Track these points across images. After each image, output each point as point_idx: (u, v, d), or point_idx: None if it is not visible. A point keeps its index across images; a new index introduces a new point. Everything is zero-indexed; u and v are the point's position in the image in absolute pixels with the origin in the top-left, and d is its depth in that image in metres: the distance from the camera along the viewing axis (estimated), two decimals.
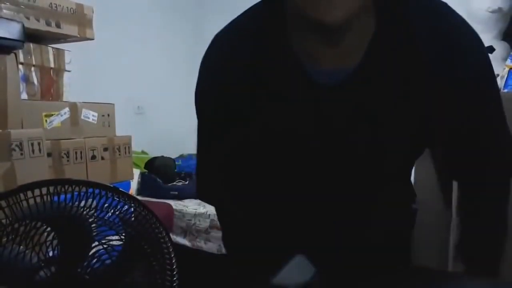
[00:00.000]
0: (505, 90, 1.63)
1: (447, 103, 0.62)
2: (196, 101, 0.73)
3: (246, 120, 0.66)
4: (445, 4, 0.62)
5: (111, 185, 0.65)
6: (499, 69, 1.88)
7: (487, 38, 2.01)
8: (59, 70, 1.71)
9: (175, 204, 2.26)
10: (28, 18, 1.51)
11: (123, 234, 0.69)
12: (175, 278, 0.71)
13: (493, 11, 1.94)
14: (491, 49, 1.98)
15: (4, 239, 0.61)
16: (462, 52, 0.60)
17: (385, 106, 0.62)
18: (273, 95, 0.64)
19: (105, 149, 1.75)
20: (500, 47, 1.99)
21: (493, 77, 0.68)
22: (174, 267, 0.71)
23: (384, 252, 0.73)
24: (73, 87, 1.79)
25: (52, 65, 1.67)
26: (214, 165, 0.76)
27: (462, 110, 0.63)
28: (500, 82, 1.70)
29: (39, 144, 1.32)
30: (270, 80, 0.63)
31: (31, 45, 1.57)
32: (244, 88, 0.65)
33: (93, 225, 0.66)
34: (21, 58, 1.52)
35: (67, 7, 1.65)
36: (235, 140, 0.69)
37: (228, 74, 0.66)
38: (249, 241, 0.80)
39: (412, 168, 0.78)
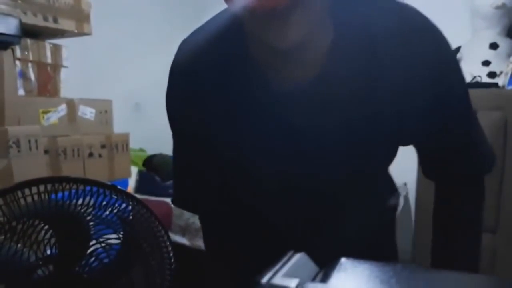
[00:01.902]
0: (509, 87, 1.62)
1: (412, 102, 0.61)
2: (166, 108, 0.76)
3: (211, 129, 0.68)
4: (404, 4, 0.61)
5: (109, 183, 0.64)
6: (503, 65, 1.87)
7: (491, 34, 2.01)
8: (56, 66, 1.70)
9: None
10: (25, 13, 1.49)
11: (121, 232, 0.68)
12: (173, 277, 0.71)
13: (497, 7, 1.93)
14: (495, 45, 1.98)
15: (2, 237, 0.60)
16: (422, 52, 0.60)
17: (350, 109, 0.61)
18: (238, 103, 0.64)
19: (103, 146, 1.74)
20: (504, 44, 1.98)
21: (458, 72, 0.66)
22: (173, 266, 0.71)
23: (365, 248, 0.71)
24: (70, 83, 1.78)
25: (49, 60, 1.66)
26: (185, 172, 0.79)
27: (428, 108, 0.63)
28: (504, 79, 1.69)
29: (36, 141, 1.31)
30: (234, 88, 0.64)
31: (28, 40, 1.56)
32: (209, 95, 0.66)
33: (91, 223, 0.65)
34: (18, 53, 1.51)
35: (65, 2, 1.64)
36: (201, 148, 0.71)
37: (193, 81, 0.67)
38: (227, 242, 0.83)
39: (389, 165, 0.76)
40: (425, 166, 0.76)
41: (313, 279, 0.55)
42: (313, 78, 0.60)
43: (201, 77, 0.66)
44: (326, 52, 0.59)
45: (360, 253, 0.71)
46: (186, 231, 2.18)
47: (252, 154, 0.66)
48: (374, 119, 0.61)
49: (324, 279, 0.54)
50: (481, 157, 0.71)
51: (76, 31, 1.70)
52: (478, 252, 0.74)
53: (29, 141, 1.30)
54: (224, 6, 0.63)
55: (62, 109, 1.62)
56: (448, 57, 0.64)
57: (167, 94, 0.75)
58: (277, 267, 0.54)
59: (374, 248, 0.74)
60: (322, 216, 0.74)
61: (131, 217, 0.68)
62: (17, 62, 1.51)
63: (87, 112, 1.72)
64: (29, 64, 1.59)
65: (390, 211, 0.88)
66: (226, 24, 0.66)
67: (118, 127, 1.87)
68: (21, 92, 1.53)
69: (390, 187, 0.86)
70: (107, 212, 0.65)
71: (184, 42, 0.72)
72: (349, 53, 0.59)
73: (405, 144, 0.70)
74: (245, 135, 0.66)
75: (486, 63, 1.97)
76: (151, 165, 2.50)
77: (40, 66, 1.63)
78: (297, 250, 0.70)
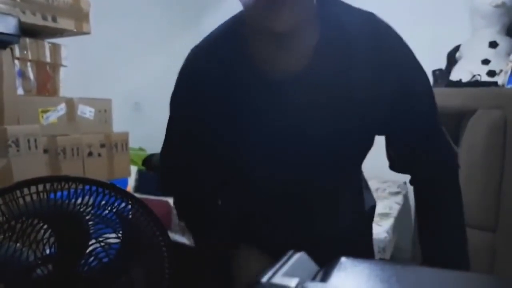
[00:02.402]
0: (509, 86, 1.62)
1: (381, 97, 0.72)
2: (171, 105, 0.85)
3: (211, 122, 0.77)
4: (373, 16, 0.74)
5: (108, 182, 0.64)
6: (503, 64, 1.87)
7: (491, 33, 2.01)
8: (56, 65, 1.70)
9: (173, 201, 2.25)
10: (24, 13, 1.49)
11: (121, 232, 0.68)
12: (173, 276, 0.71)
13: (496, 6, 1.93)
14: (494, 44, 1.97)
15: (1, 237, 0.60)
16: (390, 55, 0.72)
17: (331, 100, 0.72)
18: (238, 96, 0.75)
19: (102, 146, 1.74)
20: (503, 42, 1.98)
21: (422, 75, 0.76)
22: (172, 265, 0.71)
23: (343, 242, 0.79)
24: (69, 83, 1.78)
25: (48, 60, 1.66)
26: (181, 160, 0.87)
27: (394, 101, 0.73)
28: (504, 78, 1.69)
29: (35, 140, 1.31)
30: (235, 84, 0.75)
31: (27, 39, 1.56)
32: (213, 94, 0.76)
33: (90, 222, 0.65)
34: (17, 53, 1.51)
35: (64, 1, 1.63)
36: (202, 140, 0.79)
37: (201, 83, 0.77)
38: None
39: (364, 155, 0.84)
40: (391, 159, 0.84)
41: (313, 278, 0.55)
42: (302, 69, 0.72)
43: (204, 78, 0.76)
44: (313, 48, 0.71)
45: (334, 244, 0.75)
46: (186, 230, 2.17)
47: (246, 140, 0.76)
48: (351, 109, 0.72)
49: (324, 278, 0.54)
50: (443, 152, 0.79)
51: (75, 30, 1.70)
52: (464, 244, 0.82)
53: (28, 141, 1.30)
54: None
55: (62, 108, 1.62)
56: (410, 59, 0.75)
57: (176, 93, 0.83)
58: (277, 266, 0.54)
59: (350, 241, 0.83)
60: (304, 205, 0.83)
61: (130, 216, 0.68)
62: (16, 62, 1.50)
63: (87, 111, 1.72)
64: (28, 64, 1.58)
65: (367, 210, 0.96)
66: (227, 30, 0.77)
67: (118, 126, 1.87)
68: (20, 91, 1.53)
69: (364, 184, 0.96)
70: (107, 211, 0.65)
71: (194, 47, 0.81)
72: (331, 52, 0.71)
73: (378, 133, 0.79)
74: (241, 123, 0.76)
75: (485, 61, 1.96)
76: (151, 164, 2.50)
77: (39, 65, 1.62)
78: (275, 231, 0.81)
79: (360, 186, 0.94)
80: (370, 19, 0.73)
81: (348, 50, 0.71)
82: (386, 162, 0.97)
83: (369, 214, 0.98)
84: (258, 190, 0.83)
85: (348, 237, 0.88)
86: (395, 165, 0.83)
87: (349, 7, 0.74)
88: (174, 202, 0.99)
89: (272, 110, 0.73)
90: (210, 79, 0.75)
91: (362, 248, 0.96)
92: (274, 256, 0.63)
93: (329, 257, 0.62)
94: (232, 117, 0.76)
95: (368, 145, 0.80)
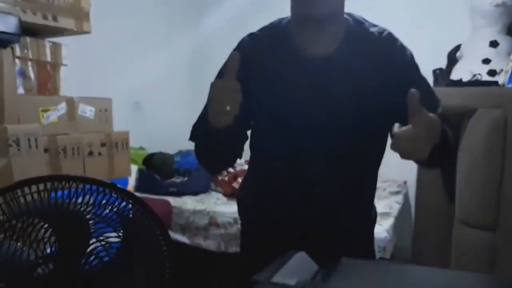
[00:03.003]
0: (510, 85, 1.62)
1: (393, 85, 0.86)
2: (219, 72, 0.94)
3: (254, 88, 0.87)
4: (391, 33, 0.94)
5: (109, 182, 0.64)
6: (503, 63, 1.86)
7: (491, 32, 2.00)
8: (56, 64, 1.70)
9: (173, 200, 2.25)
10: (24, 12, 1.49)
11: (121, 231, 0.68)
12: (173, 275, 0.71)
13: (497, 5, 1.93)
14: (495, 43, 1.97)
15: (2, 236, 0.60)
16: (399, 57, 0.92)
17: (354, 81, 0.88)
18: (277, 69, 0.91)
19: (103, 145, 1.74)
20: (504, 42, 1.98)
21: (418, 70, 0.94)
22: (172, 264, 0.71)
23: (348, 243, 0.92)
24: (70, 82, 1.77)
25: (48, 59, 1.65)
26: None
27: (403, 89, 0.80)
28: (504, 77, 1.69)
29: (36, 139, 1.31)
30: (276, 59, 0.92)
31: (28, 39, 1.56)
32: (257, 65, 0.91)
33: (91, 222, 0.65)
34: (17, 52, 1.51)
35: (64, 1, 1.63)
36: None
37: (249, 54, 0.88)
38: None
39: (383, 152, 0.96)
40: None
41: (313, 278, 0.55)
42: (331, 52, 0.89)
43: (252, 51, 0.92)
44: (340, 36, 0.90)
45: (339, 243, 0.90)
46: (186, 229, 2.17)
47: (280, 108, 0.91)
48: (370, 90, 0.87)
49: (324, 277, 0.54)
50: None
51: (75, 29, 1.70)
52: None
53: (29, 140, 1.30)
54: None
55: (62, 107, 1.62)
56: (413, 62, 0.93)
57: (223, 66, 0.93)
58: (277, 265, 0.54)
59: (354, 241, 0.96)
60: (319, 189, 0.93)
61: (131, 216, 0.68)
62: (17, 61, 1.50)
63: (87, 111, 1.72)
64: (29, 63, 1.58)
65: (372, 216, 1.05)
66: (275, 22, 0.97)
67: (118, 126, 1.87)
68: (20, 90, 1.53)
69: (375, 191, 1.06)
70: (107, 211, 0.65)
71: (252, 32, 0.97)
72: (355, 43, 0.90)
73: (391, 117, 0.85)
74: (278, 91, 0.91)
75: (486, 61, 1.96)
76: (151, 163, 2.50)
77: (39, 64, 1.62)
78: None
79: (373, 192, 1.03)
80: (389, 32, 0.92)
81: (367, 46, 0.89)
82: (386, 162, 0.98)
83: (374, 219, 1.05)
84: (279, 169, 0.95)
85: (353, 238, 0.97)
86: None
87: (364, 19, 0.95)
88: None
89: (305, 84, 0.89)
90: (256, 53, 0.92)
91: (364, 250, 1.02)
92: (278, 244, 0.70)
93: (331, 256, 0.62)
94: (270, 86, 0.91)
95: (385, 130, 0.89)
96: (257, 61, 0.91)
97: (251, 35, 0.97)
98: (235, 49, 0.93)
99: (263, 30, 0.97)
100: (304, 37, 0.90)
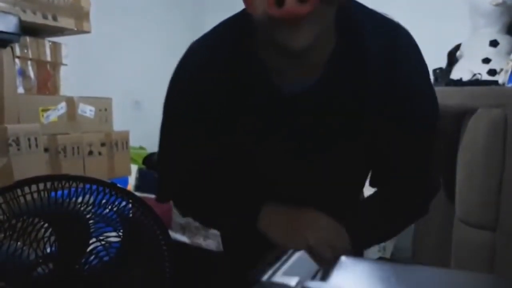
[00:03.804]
0: (510, 85, 1.62)
1: (387, 113, 0.69)
2: (168, 106, 0.79)
3: (216, 128, 0.72)
4: (396, 25, 0.70)
5: (109, 181, 0.65)
6: (503, 63, 1.86)
7: (491, 32, 2.00)
8: (56, 64, 1.70)
9: None
10: (24, 11, 1.49)
11: (121, 230, 0.68)
12: (173, 275, 0.71)
13: (497, 4, 1.93)
14: (495, 43, 1.97)
15: (2, 236, 0.60)
16: (403, 73, 0.68)
17: (342, 113, 0.69)
18: (243, 102, 0.70)
19: (103, 144, 1.74)
20: (504, 41, 1.97)
21: (431, 94, 0.72)
22: (172, 264, 0.71)
23: None
24: (70, 81, 1.77)
25: (48, 58, 1.66)
26: (180, 167, 0.80)
27: (399, 119, 0.69)
28: (505, 77, 1.69)
29: (36, 139, 1.31)
30: (240, 89, 0.70)
31: (28, 38, 1.56)
32: (216, 96, 0.70)
33: (91, 221, 0.65)
34: (17, 51, 1.51)
35: (64, 0, 1.63)
36: (204, 145, 0.74)
37: (202, 83, 0.71)
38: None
39: (367, 175, 0.82)
40: (376, 176, 0.80)
41: (313, 277, 0.55)
42: (313, 82, 0.67)
43: (207, 79, 0.70)
44: (326, 59, 0.67)
45: None
46: (186, 229, 2.18)
47: (251, 148, 0.73)
48: (360, 121, 0.69)
49: (324, 277, 0.54)
50: (429, 181, 0.77)
51: (75, 29, 1.70)
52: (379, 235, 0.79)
53: (29, 139, 1.30)
54: (224, 6, 0.64)
55: (62, 107, 1.62)
56: (421, 83, 0.71)
57: (173, 92, 0.77)
58: (277, 265, 0.54)
59: None
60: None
61: (131, 215, 0.68)
62: (17, 60, 1.50)
63: (87, 110, 1.72)
64: (29, 62, 1.59)
65: None
66: (232, 31, 0.71)
67: (118, 125, 1.87)
68: (20, 90, 1.53)
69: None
70: (107, 210, 0.65)
71: (192, 45, 0.75)
72: (344, 63, 0.67)
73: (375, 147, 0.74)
74: (245, 130, 0.72)
75: (486, 60, 1.96)
76: (151, 163, 2.50)
77: (39, 64, 1.62)
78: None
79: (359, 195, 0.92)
80: (391, 30, 0.69)
81: (362, 62, 0.67)
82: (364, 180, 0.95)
83: None
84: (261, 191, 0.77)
85: None
86: (376, 182, 0.81)
87: (372, 14, 0.70)
88: (176, 202, 0.92)
89: (281, 121, 0.70)
90: (213, 80, 0.70)
91: None
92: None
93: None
94: (236, 122, 0.72)
95: (373, 158, 0.77)
96: (217, 90, 0.70)
97: (202, 49, 0.73)
98: (184, 70, 0.74)
99: (219, 43, 0.71)
100: (276, 65, 0.67)
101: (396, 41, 0.68)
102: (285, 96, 0.68)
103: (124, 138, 1.85)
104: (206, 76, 0.70)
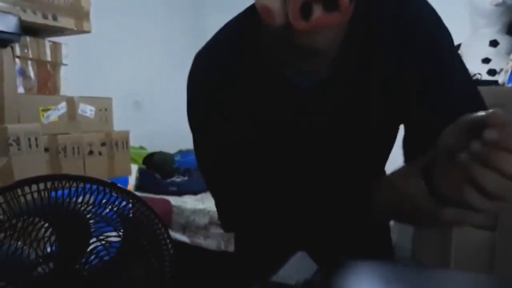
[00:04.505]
0: (509, 85, 1.62)
1: (405, 89, 0.63)
2: (191, 120, 0.74)
3: (235, 129, 0.68)
4: None
5: (109, 181, 0.65)
6: (503, 63, 1.87)
7: (491, 32, 2.00)
8: (56, 63, 1.70)
9: (174, 200, 2.25)
10: (24, 11, 1.49)
11: (121, 230, 0.68)
12: (173, 274, 0.71)
13: (497, 5, 1.93)
14: (494, 43, 1.97)
15: (2, 235, 0.60)
16: (416, 42, 0.61)
17: (359, 105, 0.65)
18: (257, 99, 0.67)
19: (103, 144, 1.74)
20: (504, 41, 1.98)
21: (454, 61, 0.65)
22: (173, 263, 0.71)
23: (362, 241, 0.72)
24: (70, 81, 1.78)
25: (49, 58, 1.66)
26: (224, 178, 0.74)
27: (421, 94, 0.63)
28: (504, 77, 1.69)
29: (36, 139, 1.31)
30: (253, 88, 0.67)
31: (28, 38, 1.56)
32: (231, 100, 0.67)
33: (91, 221, 0.65)
34: (17, 51, 1.51)
35: (64, 0, 1.63)
36: (227, 148, 0.70)
37: (217, 89, 0.68)
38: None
39: (386, 161, 0.77)
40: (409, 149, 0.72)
41: (313, 278, 0.55)
42: (325, 77, 0.64)
43: (221, 87, 0.67)
44: (338, 51, 0.62)
45: (357, 246, 0.69)
46: (186, 228, 2.18)
47: (271, 145, 0.69)
48: (374, 111, 0.66)
49: (323, 277, 0.54)
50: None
51: (75, 29, 1.70)
52: None
53: (29, 139, 1.30)
54: (224, 6, 0.64)
55: (62, 107, 1.62)
56: (442, 45, 0.63)
57: (190, 108, 0.74)
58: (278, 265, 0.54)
59: (370, 242, 0.75)
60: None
61: (131, 215, 0.68)
62: (17, 60, 1.51)
63: (87, 110, 1.72)
64: (29, 62, 1.59)
65: None
66: (239, 33, 0.68)
67: (118, 125, 1.88)
68: (21, 90, 1.53)
69: None
70: (107, 210, 0.65)
71: (199, 55, 0.72)
72: (355, 51, 0.62)
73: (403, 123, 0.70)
74: (265, 128, 0.68)
75: (486, 60, 1.96)
76: (151, 162, 2.50)
77: (39, 64, 1.63)
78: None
79: None
80: (400, 2, 0.62)
81: (372, 45, 0.62)
82: (387, 161, 0.95)
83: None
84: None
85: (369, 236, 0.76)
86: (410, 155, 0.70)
87: None
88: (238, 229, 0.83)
89: (295, 117, 0.67)
90: (226, 87, 0.67)
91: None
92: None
93: (333, 254, 0.61)
94: (256, 123, 0.68)
95: (392, 142, 0.73)
96: (232, 96, 0.67)
97: (210, 56, 0.70)
98: (198, 84, 0.71)
99: (225, 47, 0.69)
100: (287, 63, 0.64)
101: (406, 8, 0.61)
102: (299, 89, 0.65)
103: (124, 138, 1.85)
104: (221, 82, 0.68)
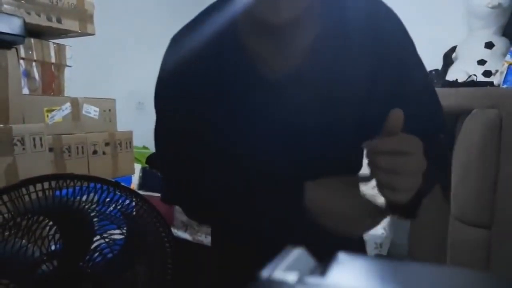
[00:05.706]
0: (505, 86, 1.62)
1: (377, 86, 0.67)
2: (158, 104, 0.75)
3: (204, 119, 0.70)
4: (377, 3, 0.68)
5: (113, 180, 0.66)
6: (499, 64, 1.87)
7: (487, 33, 2.01)
8: (60, 65, 1.71)
9: None
10: (29, 13, 1.51)
11: (125, 228, 0.70)
12: (175, 271, 0.72)
13: (493, 7, 1.93)
14: (490, 44, 1.97)
15: (7, 233, 0.61)
16: (389, 51, 0.66)
17: (327, 97, 0.67)
18: (228, 91, 0.69)
19: (107, 144, 1.76)
20: (499, 43, 1.98)
21: (421, 73, 0.71)
22: (175, 260, 0.72)
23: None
24: (74, 83, 1.79)
25: (53, 60, 1.67)
26: (175, 164, 0.76)
27: (391, 92, 0.67)
28: (500, 78, 1.69)
29: (40, 139, 1.33)
30: (225, 77, 0.69)
31: (32, 40, 1.58)
32: (201, 86, 0.69)
33: (95, 219, 0.67)
34: (22, 53, 1.52)
35: (68, 2, 1.65)
36: (193, 134, 0.71)
37: (187, 74, 0.70)
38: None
39: (360, 156, 0.78)
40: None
41: (311, 274, 0.56)
42: (299, 65, 0.66)
43: (193, 72, 0.70)
44: (312, 41, 0.66)
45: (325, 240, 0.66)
46: (189, 226, 2.19)
47: (241, 137, 0.70)
48: (346, 103, 0.68)
49: (323, 273, 0.55)
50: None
51: (79, 31, 1.72)
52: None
53: (34, 139, 1.31)
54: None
55: (67, 107, 1.63)
56: (409, 54, 0.70)
57: (158, 90, 0.76)
58: (275, 261, 0.55)
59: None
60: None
61: (134, 213, 0.69)
62: (21, 62, 1.52)
63: (91, 111, 1.73)
64: (33, 64, 1.60)
65: None
66: (217, 21, 0.70)
67: (122, 125, 1.89)
68: (25, 91, 1.55)
69: None
70: (111, 208, 0.66)
71: (174, 39, 0.76)
72: (330, 44, 0.66)
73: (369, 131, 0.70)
74: (237, 119, 0.70)
75: (481, 62, 1.97)
76: (154, 162, 2.51)
77: (44, 65, 1.64)
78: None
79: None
80: (372, 5, 0.67)
81: (347, 42, 0.66)
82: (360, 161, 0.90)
83: None
84: (252, 183, 0.73)
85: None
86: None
87: None
88: (187, 209, 0.83)
89: (268, 106, 0.68)
90: (199, 70, 0.69)
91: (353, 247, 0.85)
92: (260, 252, 0.57)
93: (322, 252, 0.61)
94: (226, 110, 0.70)
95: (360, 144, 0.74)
96: (204, 80, 0.69)
97: (185, 39, 0.73)
98: (170, 64, 0.73)
99: (202, 31, 0.70)
100: (261, 49, 0.66)
101: (377, 17, 0.66)
102: (271, 78, 0.67)
103: (127, 138, 1.87)
104: (191, 68, 0.70)
